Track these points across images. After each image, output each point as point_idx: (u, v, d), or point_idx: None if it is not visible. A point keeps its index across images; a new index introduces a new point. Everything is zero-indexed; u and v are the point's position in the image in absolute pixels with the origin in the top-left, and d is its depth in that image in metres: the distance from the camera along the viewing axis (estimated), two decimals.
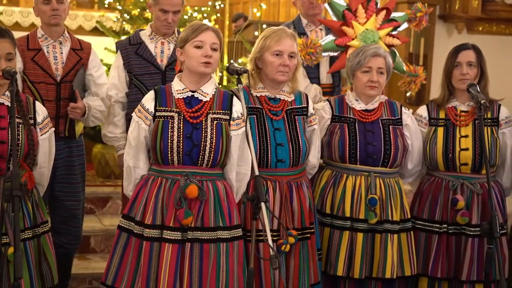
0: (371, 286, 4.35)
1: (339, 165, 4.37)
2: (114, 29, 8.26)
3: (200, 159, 3.77)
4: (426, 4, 5.19)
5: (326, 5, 5.06)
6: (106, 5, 9.41)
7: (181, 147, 3.74)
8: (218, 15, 10.60)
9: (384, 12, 5.00)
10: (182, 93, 3.83)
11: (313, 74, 5.26)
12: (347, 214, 4.29)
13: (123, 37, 7.13)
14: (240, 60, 7.56)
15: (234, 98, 3.93)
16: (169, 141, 3.75)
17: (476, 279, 4.38)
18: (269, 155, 4.05)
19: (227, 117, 3.86)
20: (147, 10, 8.03)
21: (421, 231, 4.49)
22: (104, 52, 7.22)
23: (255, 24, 8.99)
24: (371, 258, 4.30)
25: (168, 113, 3.80)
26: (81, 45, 4.81)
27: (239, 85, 3.90)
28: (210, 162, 3.79)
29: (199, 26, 3.82)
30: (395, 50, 5.10)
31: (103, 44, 7.44)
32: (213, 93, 3.87)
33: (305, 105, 4.22)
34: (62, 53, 4.70)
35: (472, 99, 4.40)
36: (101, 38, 8.10)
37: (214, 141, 3.77)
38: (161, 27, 4.81)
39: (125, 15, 8.02)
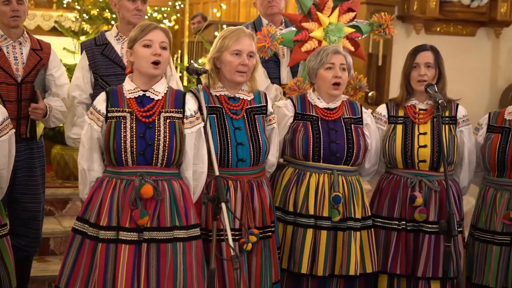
0: (333, 283, 4.37)
1: (302, 163, 4.39)
2: (73, 29, 8.20)
3: (154, 158, 3.76)
4: (385, 13, 5.24)
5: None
6: (65, 5, 9.33)
7: (134, 147, 3.73)
8: (178, 15, 10.59)
9: (350, 14, 5.05)
10: (134, 92, 3.83)
11: (273, 75, 5.28)
12: (311, 212, 4.31)
13: (82, 37, 7.08)
14: (200, 60, 7.55)
15: (187, 96, 3.93)
16: (122, 141, 3.73)
17: (432, 275, 4.44)
18: (230, 155, 4.05)
19: (180, 115, 3.85)
20: (107, 10, 7.98)
21: (380, 229, 4.54)
22: (63, 52, 7.16)
23: (215, 25, 8.98)
24: (334, 255, 4.33)
25: (120, 114, 3.78)
26: (41, 45, 4.76)
27: (198, 85, 3.91)
28: (165, 162, 3.79)
29: (147, 26, 3.82)
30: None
31: (62, 44, 7.37)
32: (165, 91, 3.87)
33: (264, 104, 4.24)
34: (22, 53, 4.65)
35: (430, 98, 4.47)
36: (60, 38, 8.02)
37: (167, 139, 3.76)
38: (131, 18, 4.74)
39: (84, 15, 7.97)
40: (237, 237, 4.00)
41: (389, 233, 4.51)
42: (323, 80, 4.39)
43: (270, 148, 4.25)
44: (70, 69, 6.11)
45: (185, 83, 7.70)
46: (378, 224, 4.54)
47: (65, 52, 7.22)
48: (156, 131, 3.76)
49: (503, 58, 9.29)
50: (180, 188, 3.84)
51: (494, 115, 4.68)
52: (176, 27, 11.06)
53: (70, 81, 4.85)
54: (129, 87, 3.84)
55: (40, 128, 4.76)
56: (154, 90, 3.84)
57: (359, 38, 5.19)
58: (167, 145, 3.76)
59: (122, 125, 3.75)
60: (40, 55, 4.70)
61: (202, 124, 3.92)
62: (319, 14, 4.98)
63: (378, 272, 4.50)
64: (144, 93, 3.83)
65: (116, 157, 3.75)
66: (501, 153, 4.53)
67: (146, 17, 8.74)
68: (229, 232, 3.47)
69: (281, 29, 5.37)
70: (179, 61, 8.48)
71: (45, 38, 5.06)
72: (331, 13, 5.00)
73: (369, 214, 4.48)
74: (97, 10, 8.22)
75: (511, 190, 4.52)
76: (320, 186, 4.33)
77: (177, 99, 3.88)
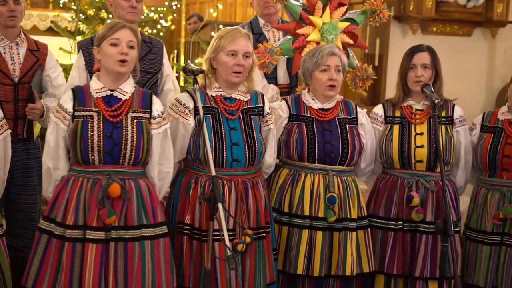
0: (330, 284, 4.37)
1: (297, 164, 4.39)
2: (69, 29, 8.20)
3: (121, 157, 3.78)
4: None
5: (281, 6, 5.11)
6: (61, 5, 9.33)
7: (101, 146, 3.74)
8: (175, 15, 10.58)
9: (342, 9, 5.06)
10: (101, 92, 3.84)
11: (270, 75, 5.27)
12: (306, 212, 4.30)
13: (79, 37, 7.08)
14: (196, 61, 7.55)
15: (154, 96, 3.97)
16: (89, 140, 3.74)
17: (430, 276, 4.45)
18: (225, 155, 4.05)
19: (147, 115, 3.87)
20: (103, 10, 7.98)
21: (377, 229, 4.54)
22: (59, 52, 7.16)
23: (212, 25, 8.98)
24: (330, 256, 4.33)
25: (87, 113, 3.80)
26: (38, 46, 4.76)
27: (195, 85, 3.92)
28: (132, 161, 3.81)
29: (115, 24, 3.84)
30: (349, 49, 5.17)
31: (58, 44, 7.37)
32: (132, 91, 3.89)
33: (261, 105, 4.24)
34: (19, 54, 4.65)
35: (427, 99, 4.48)
36: (56, 38, 8.03)
37: (135, 139, 3.79)
38: (126, 16, 4.73)
39: (80, 15, 7.97)
40: (230, 238, 3.99)
41: (386, 233, 4.52)
42: (318, 82, 4.39)
43: (266, 149, 4.24)
44: (67, 69, 6.11)
45: (182, 83, 7.70)
46: (375, 224, 4.54)
47: (62, 52, 7.22)
48: (124, 130, 3.78)
49: (499, 58, 9.29)
50: (146, 187, 3.87)
51: (488, 115, 4.70)
52: (173, 27, 11.06)
53: (66, 81, 4.85)
54: (96, 86, 3.86)
55: (37, 129, 4.76)
56: (121, 90, 3.86)
57: (356, 29, 5.19)
58: (134, 145, 3.78)
59: (89, 124, 3.76)
60: (37, 55, 4.70)
61: (169, 124, 3.96)
62: (311, 17, 4.97)
63: (375, 272, 4.50)
64: (111, 92, 3.85)
65: (83, 156, 3.76)
66: (492, 153, 4.54)
67: (143, 16, 8.75)
68: (225, 233, 3.46)
69: (278, 29, 5.37)
70: (175, 61, 8.48)
71: (41, 38, 5.06)
72: (322, 13, 5.00)
73: (365, 214, 4.48)
74: (94, 10, 8.21)
75: (501, 190, 4.53)
76: (315, 186, 4.33)
77: (144, 99, 3.90)
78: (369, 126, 4.54)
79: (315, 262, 4.29)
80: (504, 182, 4.53)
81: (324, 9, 5.00)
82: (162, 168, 3.95)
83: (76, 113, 3.79)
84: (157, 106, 3.93)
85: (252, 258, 4.12)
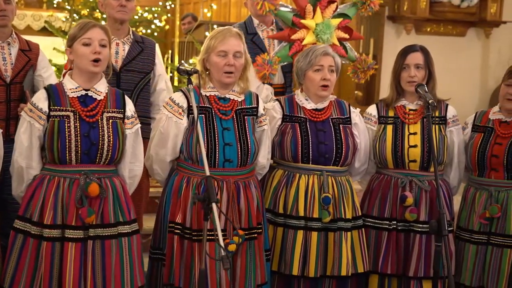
0: (325, 284, 4.37)
1: (291, 164, 4.38)
2: (63, 29, 8.19)
3: (98, 157, 3.79)
4: None
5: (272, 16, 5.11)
6: (55, 5, 9.33)
7: (79, 146, 3.75)
8: (169, 15, 10.57)
9: (332, 6, 5.06)
10: (76, 91, 3.83)
11: None
12: (301, 213, 4.30)
13: None
14: (191, 61, 7.54)
15: (126, 97, 3.98)
16: (67, 140, 3.74)
17: (423, 275, 4.45)
18: (217, 155, 4.04)
19: (121, 115, 3.90)
20: (97, 10, 7.97)
21: (371, 229, 4.54)
22: (53, 52, 7.15)
23: (206, 25, 8.97)
24: (325, 256, 4.33)
25: (63, 113, 3.79)
26: (29, 46, 4.76)
27: (189, 85, 3.91)
28: (108, 160, 3.83)
29: (86, 24, 3.84)
30: (346, 43, 5.17)
31: (52, 44, 7.37)
32: (106, 91, 3.89)
33: (255, 105, 4.23)
34: (10, 54, 4.64)
35: (420, 99, 4.48)
36: (50, 38, 8.04)
37: (111, 139, 3.81)
38: (116, 14, 4.75)
39: (74, 15, 7.96)
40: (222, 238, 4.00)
41: (380, 233, 4.52)
42: (311, 82, 4.38)
43: (260, 150, 4.24)
44: (60, 69, 6.10)
45: (176, 83, 7.69)
46: (369, 224, 4.54)
47: (55, 52, 7.22)
48: (100, 131, 3.80)
49: (493, 58, 9.32)
50: (120, 185, 3.91)
51: (479, 115, 4.71)
52: (167, 27, 11.05)
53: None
54: (71, 86, 3.85)
55: None
56: (96, 90, 3.86)
57: (349, 23, 5.19)
58: (111, 145, 3.81)
59: (66, 124, 3.76)
60: (28, 55, 4.70)
61: (139, 125, 4.00)
62: (303, 21, 4.97)
63: (369, 272, 4.50)
64: (86, 92, 3.84)
65: (59, 156, 3.76)
66: (481, 153, 4.55)
67: (137, 16, 8.75)
68: (220, 233, 3.45)
69: (272, 29, 5.37)
70: (169, 61, 8.47)
71: (35, 38, 5.06)
72: (313, 15, 5.00)
73: (360, 214, 4.48)
74: (88, 10, 8.21)
75: (489, 189, 4.53)
76: (310, 187, 4.33)
77: (118, 99, 3.92)
78: (362, 125, 4.54)
79: (310, 262, 4.28)
80: (492, 182, 4.54)
81: (314, 10, 5.00)
82: (132, 166, 3.99)
83: (52, 113, 3.78)
84: (130, 106, 3.96)
85: (243, 259, 4.11)
